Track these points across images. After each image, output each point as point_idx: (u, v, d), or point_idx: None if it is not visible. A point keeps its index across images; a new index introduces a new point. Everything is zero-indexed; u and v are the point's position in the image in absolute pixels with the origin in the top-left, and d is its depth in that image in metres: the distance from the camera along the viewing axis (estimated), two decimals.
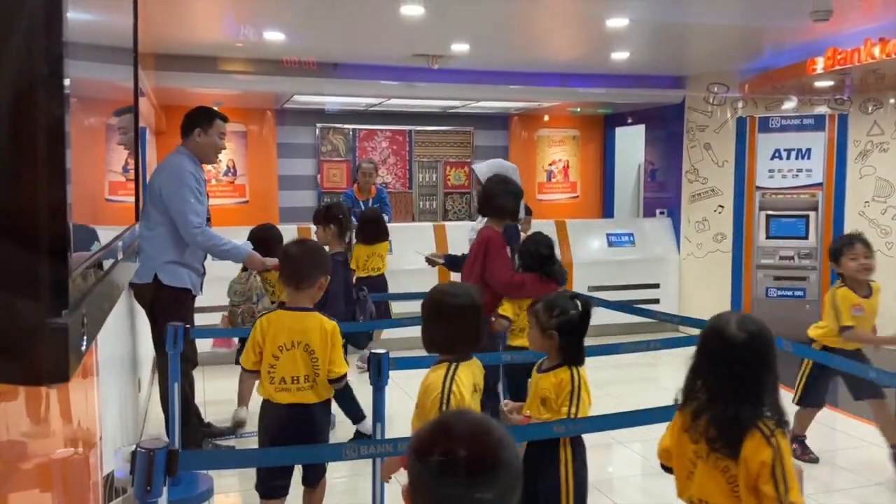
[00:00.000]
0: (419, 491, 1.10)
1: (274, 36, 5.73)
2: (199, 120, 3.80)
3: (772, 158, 7.01)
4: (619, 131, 9.41)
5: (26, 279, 0.74)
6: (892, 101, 6.46)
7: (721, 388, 1.83)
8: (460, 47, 6.23)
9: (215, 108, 3.98)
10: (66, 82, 0.77)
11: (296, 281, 2.77)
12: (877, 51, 5.14)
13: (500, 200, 3.82)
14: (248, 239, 4.41)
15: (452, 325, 2.33)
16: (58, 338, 0.75)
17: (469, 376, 2.35)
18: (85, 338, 0.84)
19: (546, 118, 9.47)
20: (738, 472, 1.78)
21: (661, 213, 7.99)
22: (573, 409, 2.41)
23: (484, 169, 4.45)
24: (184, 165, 3.71)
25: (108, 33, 1.40)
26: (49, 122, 0.75)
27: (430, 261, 4.96)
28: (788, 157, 6.95)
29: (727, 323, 1.88)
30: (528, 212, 4.85)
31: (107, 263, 1.12)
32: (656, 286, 7.37)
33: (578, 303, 2.53)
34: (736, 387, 1.81)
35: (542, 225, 7.25)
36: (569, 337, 2.49)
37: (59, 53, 0.75)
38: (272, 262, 3.87)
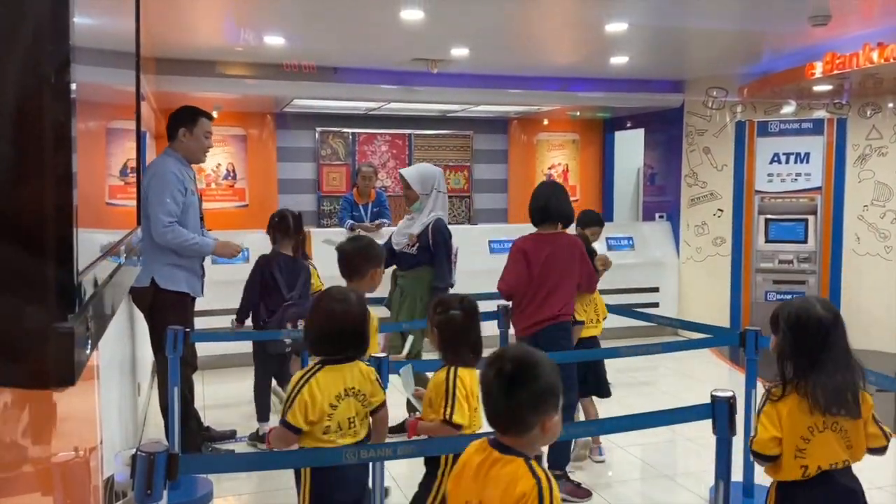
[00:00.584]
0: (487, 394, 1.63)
1: (274, 40, 5.74)
2: (184, 120, 3.79)
3: (771, 162, 7.02)
4: (619, 135, 9.42)
5: (33, 283, 0.74)
6: (890, 105, 6.48)
7: (822, 363, 2.13)
8: (460, 51, 6.24)
9: (199, 108, 3.94)
10: (74, 87, 0.77)
11: (348, 274, 3.06)
12: (875, 55, 5.16)
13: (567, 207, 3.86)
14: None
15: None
16: (64, 342, 0.75)
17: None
18: (90, 342, 0.85)
19: (545, 122, 9.48)
20: (853, 426, 2.15)
21: (661, 216, 8.01)
22: (447, 411, 2.41)
23: (413, 173, 4.52)
24: (167, 166, 3.70)
25: (111, 37, 1.40)
26: (56, 126, 0.75)
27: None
28: (787, 161, 6.97)
29: (812, 306, 2.22)
30: (600, 222, 5.04)
31: (110, 267, 1.12)
32: (656, 290, 7.38)
33: (463, 304, 2.60)
34: (835, 358, 2.13)
35: None
36: (450, 336, 2.53)
37: (66, 58, 0.76)
38: (235, 245, 3.94)
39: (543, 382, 1.57)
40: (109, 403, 2.72)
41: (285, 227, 4.36)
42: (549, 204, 3.74)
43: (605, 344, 4.80)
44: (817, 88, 6.32)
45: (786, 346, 2.19)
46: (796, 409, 2.13)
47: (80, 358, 0.79)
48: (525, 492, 1.50)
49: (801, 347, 2.16)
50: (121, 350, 3.34)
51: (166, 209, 3.61)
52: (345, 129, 8.88)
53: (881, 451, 2.20)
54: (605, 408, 5.14)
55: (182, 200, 3.68)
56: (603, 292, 6.80)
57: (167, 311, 3.68)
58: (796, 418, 2.14)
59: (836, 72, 5.50)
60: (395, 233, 4.53)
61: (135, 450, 1.93)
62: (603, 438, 4.08)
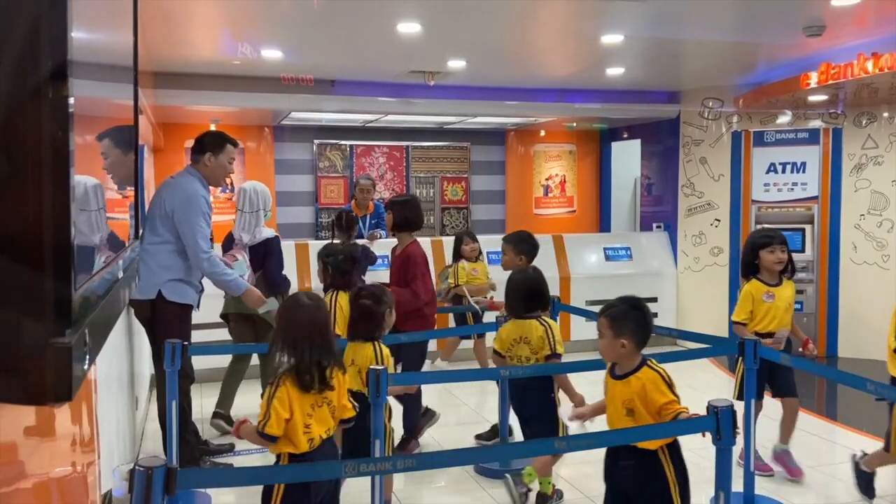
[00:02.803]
0: None
1: (271, 53, 5.77)
2: (211, 144, 3.89)
3: (767, 172, 7.05)
4: (616, 146, 9.46)
5: (30, 298, 0.74)
6: (885, 114, 6.52)
7: None
8: (457, 63, 6.27)
9: (226, 134, 4.05)
10: (71, 101, 0.77)
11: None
12: (870, 65, 5.19)
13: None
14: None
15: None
16: (61, 357, 0.74)
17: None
18: (87, 357, 0.84)
19: (542, 133, 9.51)
20: None
21: (658, 226, 8.02)
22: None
23: (248, 188, 4.80)
24: (197, 189, 3.79)
25: (109, 52, 1.40)
26: (54, 141, 0.75)
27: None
28: (783, 171, 6.99)
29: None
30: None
31: (109, 281, 1.12)
32: (654, 300, 7.36)
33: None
34: None
35: (540, 240, 7.26)
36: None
37: (64, 72, 0.76)
38: (260, 295, 3.97)
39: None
40: (107, 417, 2.70)
41: (339, 224, 5.33)
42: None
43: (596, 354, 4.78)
44: (812, 98, 6.35)
45: None
46: None
47: (78, 373, 0.78)
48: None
49: None
50: (118, 363, 3.32)
51: (204, 234, 3.71)
52: (342, 142, 8.91)
53: None
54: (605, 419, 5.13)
55: (209, 223, 3.80)
56: (601, 302, 6.81)
57: (169, 323, 3.69)
58: None
59: (830, 82, 5.53)
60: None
61: (133, 464, 1.92)
62: (603, 451, 4.06)
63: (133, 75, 1.96)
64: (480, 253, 5.91)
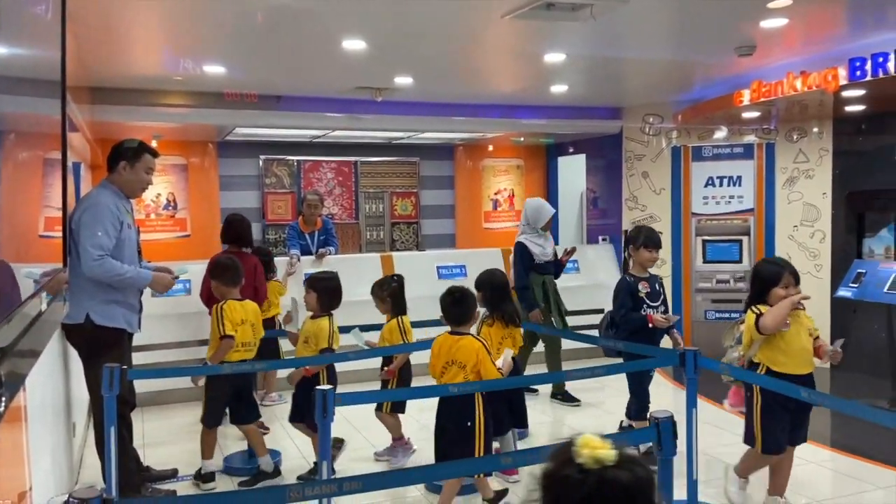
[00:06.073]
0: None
1: (214, 69, 5.69)
2: (126, 153, 3.70)
3: (706, 186, 7.28)
4: (562, 160, 9.63)
5: None
6: (815, 129, 6.81)
7: None
8: (404, 80, 6.30)
9: (145, 143, 3.85)
10: None
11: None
12: (798, 83, 5.42)
13: None
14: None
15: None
16: None
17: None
18: (3, 399, 0.82)
19: (490, 148, 9.62)
20: None
21: (604, 239, 8.18)
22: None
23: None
24: (100, 198, 3.58)
25: (32, 66, 1.37)
26: None
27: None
28: (721, 185, 7.23)
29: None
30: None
31: (31, 315, 1.09)
32: (601, 311, 7.46)
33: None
34: None
35: (488, 253, 7.33)
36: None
37: None
38: (170, 278, 3.85)
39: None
40: (41, 446, 2.60)
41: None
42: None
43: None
44: (746, 115, 6.60)
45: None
46: None
47: None
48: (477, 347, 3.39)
49: None
50: (53, 390, 3.21)
51: (96, 242, 3.46)
52: (289, 157, 8.83)
53: None
54: (551, 429, 5.19)
55: (116, 235, 3.55)
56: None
57: (103, 349, 3.54)
58: None
59: (762, 99, 5.76)
60: None
61: (67, 495, 1.85)
62: None
63: (61, 89, 1.91)
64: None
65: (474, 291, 3.84)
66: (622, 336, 4.28)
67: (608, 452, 1.07)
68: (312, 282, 4.24)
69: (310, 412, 3.64)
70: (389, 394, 4.36)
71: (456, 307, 3.53)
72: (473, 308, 3.59)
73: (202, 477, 4.07)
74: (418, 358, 4.27)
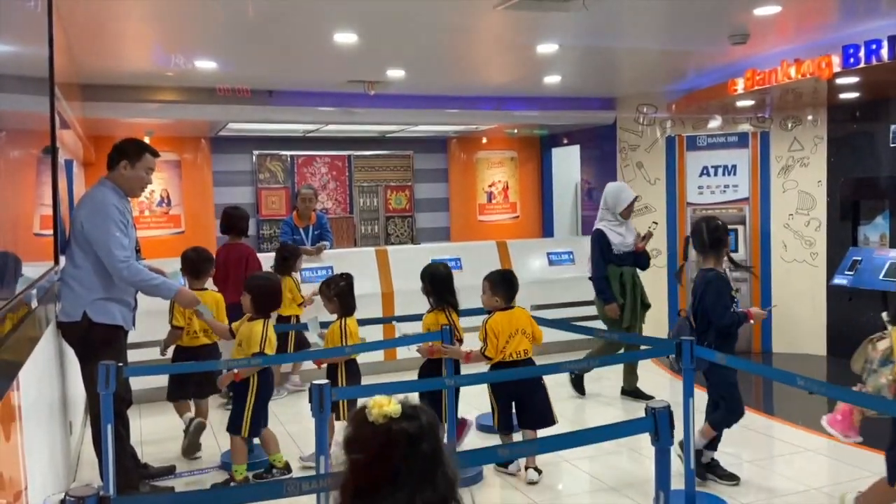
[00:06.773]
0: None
1: (206, 64, 5.66)
2: (127, 152, 3.69)
3: (700, 175, 7.28)
4: (556, 152, 9.61)
5: None
6: (810, 117, 6.81)
7: None
8: (396, 73, 6.28)
9: (146, 142, 3.88)
10: None
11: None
12: (793, 71, 5.41)
13: None
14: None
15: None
16: None
17: None
18: None
19: (484, 140, 9.60)
20: None
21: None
22: None
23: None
24: (106, 198, 3.57)
25: (17, 62, 1.35)
26: None
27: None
28: (716, 174, 7.23)
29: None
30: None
31: (17, 317, 1.07)
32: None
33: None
34: None
35: (482, 246, 7.32)
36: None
37: None
38: (194, 294, 3.88)
39: None
40: (36, 445, 2.59)
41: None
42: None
43: (547, 358, 4.85)
44: (740, 104, 6.59)
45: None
46: None
47: None
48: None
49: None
50: (49, 388, 3.19)
51: (118, 242, 3.47)
52: (283, 152, 8.80)
53: None
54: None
55: (125, 234, 3.58)
56: (545, 307, 6.92)
57: (100, 347, 3.53)
58: None
59: (756, 87, 5.75)
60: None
61: (63, 494, 1.84)
62: (553, 454, 4.11)
63: (49, 86, 1.89)
64: None
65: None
66: (712, 339, 3.75)
67: (394, 407, 1.21)
68: (247, 283, 4.11)
69: (236, 420, 3.90)
70: (384, 387, 4.34)
71: (511, 288, 4.10)
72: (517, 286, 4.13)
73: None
74: (367, 357, 4.40)
